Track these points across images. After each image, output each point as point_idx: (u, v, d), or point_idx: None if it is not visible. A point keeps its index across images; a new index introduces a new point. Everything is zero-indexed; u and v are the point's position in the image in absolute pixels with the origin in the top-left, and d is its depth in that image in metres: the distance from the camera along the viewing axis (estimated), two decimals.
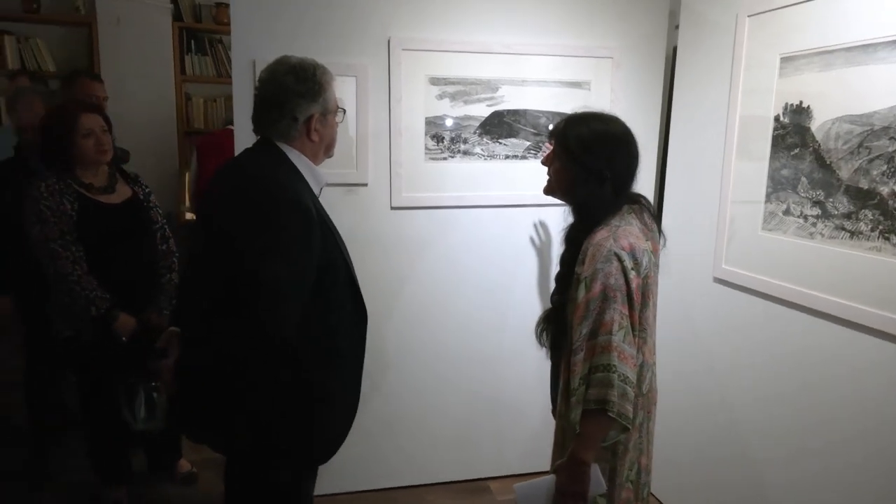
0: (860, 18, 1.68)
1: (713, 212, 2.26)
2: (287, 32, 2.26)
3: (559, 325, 1.57)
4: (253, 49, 2.25)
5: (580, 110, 1.63)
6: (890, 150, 1.60)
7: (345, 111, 1.69)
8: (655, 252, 1.50)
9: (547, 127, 2.57)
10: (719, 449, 2.26)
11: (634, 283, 1.39)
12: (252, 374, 1.43)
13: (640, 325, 1.44)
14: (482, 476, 2.78)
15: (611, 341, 1.36)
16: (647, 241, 1.47)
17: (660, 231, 1.60)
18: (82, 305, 2.14)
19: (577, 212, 1.57)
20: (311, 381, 1.50)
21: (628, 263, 1.38)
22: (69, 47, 4.27)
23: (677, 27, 2.54)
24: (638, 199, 1.57)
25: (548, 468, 2.76)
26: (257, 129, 1.60)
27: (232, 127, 2.66)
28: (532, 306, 2.69)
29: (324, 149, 1.63)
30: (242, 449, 1.53)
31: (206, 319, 1.46)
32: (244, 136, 2.30)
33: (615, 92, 2.59)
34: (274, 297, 1.37)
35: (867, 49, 1.66)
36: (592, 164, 1.50)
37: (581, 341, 1.40)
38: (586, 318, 1.39)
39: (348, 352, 1.59)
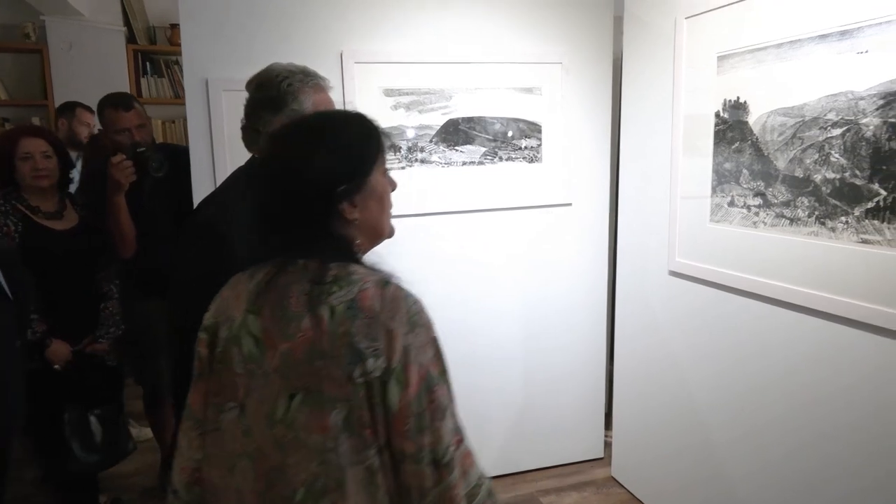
0: (787, 16, 1.77)
1: (665, 207, 2.34)
2: (238, 50, 2.28)
3: None
4: (205, 68, 2.26)
5: None
6: (820, 139, 1.69)
7: None
8: (267, 338, 0.95)
9: (503, 133, 2.62)
10: (679, 432, 2.33)
11: (201, 352, 1.03)
12: None
13: (207, 418, 1.01)
14: None
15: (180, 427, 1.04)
16: (249, 312, 0.97)
17: (314, 312, 0.92)
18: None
19: None
20: None
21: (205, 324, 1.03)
22: (21, 74, 4.22)
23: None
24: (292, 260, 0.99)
25: (521, 470, 2.81)
26: None
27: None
28: (495, 309, 2.73)
29: None
30: None
31: None
32: (199, 157, 2.32)
33: (566, 97, 2.66)
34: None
35: (794, 45, 1.75)
36: None
37: None
38: None
39: None
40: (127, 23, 4.27)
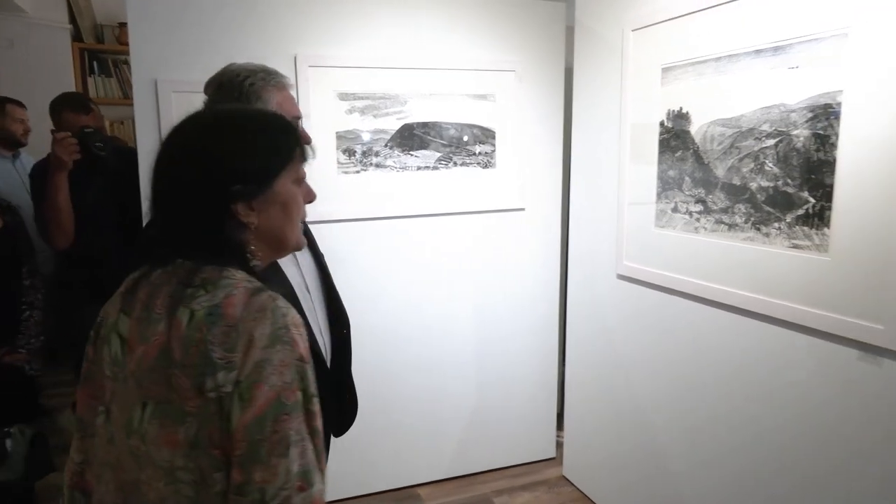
0: (725, 32, 1.86)
1: (613, 213, 2.41)
2: (189, 51, 2.25)
3: None
4: (155, 69, 2.22)
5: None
6: (756, 149, 1.77)
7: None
8: (131, 339, 0.90)
9: (458, 138, 2.66)
10: (627, 432, 2.40)
11: (88, 352, 0.98)
12: None
13: (87, 421, 0.97)
14: (412, 483, 2.81)
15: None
16: (122, 312, 0.93)
17: (176, 317, 0.86)
18: None
19: None
20: None
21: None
22: None
23: None
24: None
25: (475, 471, 2.85)
26: None
27: None
28: (449, 312, 2.76)
29: None
30: None
31: None
32: (148, 159, 2.27)
33: (519, 104, 2.72)
34: None
35: (732, 58, 1.84)
36: None
37: None
38: None
39: None
40: (73, 20, 4.15)
